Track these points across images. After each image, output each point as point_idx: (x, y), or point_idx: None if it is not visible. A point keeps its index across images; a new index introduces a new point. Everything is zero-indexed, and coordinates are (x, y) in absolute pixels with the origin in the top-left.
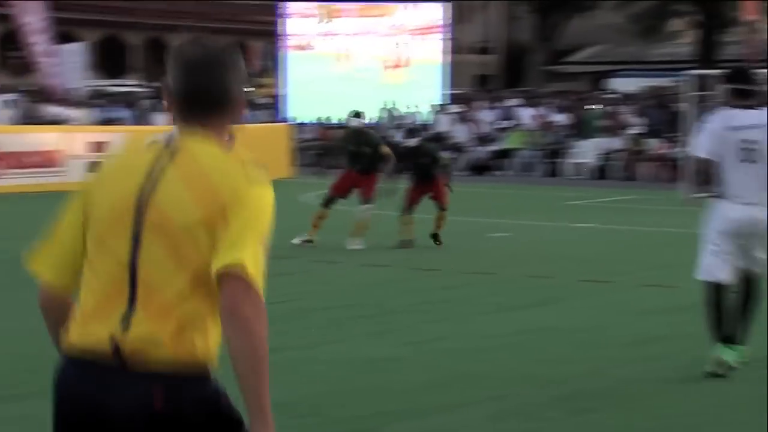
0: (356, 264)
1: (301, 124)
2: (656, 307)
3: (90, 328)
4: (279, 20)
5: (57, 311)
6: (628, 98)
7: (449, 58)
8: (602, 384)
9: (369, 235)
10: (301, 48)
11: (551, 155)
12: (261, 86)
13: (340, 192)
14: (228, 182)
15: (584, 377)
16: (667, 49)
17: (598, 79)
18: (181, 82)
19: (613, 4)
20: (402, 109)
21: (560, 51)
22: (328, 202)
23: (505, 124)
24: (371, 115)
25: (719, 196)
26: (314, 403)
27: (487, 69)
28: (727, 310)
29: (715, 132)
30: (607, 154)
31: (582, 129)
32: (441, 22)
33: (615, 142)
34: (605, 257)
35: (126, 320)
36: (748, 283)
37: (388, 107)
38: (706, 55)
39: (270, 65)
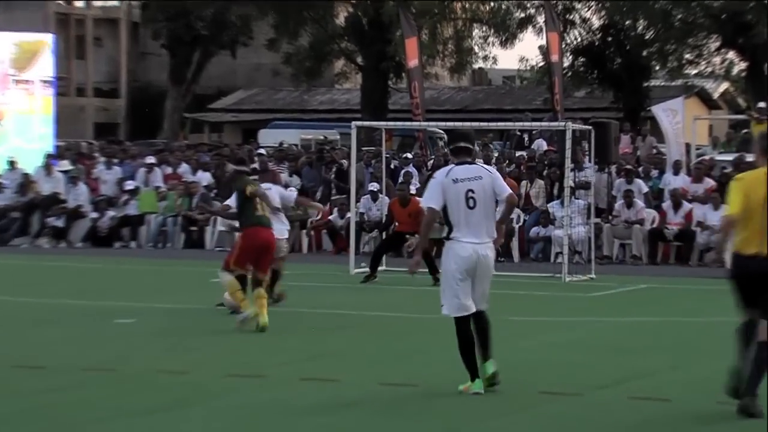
0: None
1: None
2: (316, 405)
3: (749, 247)
4: None
5: (731, 229)
6: (283, 153)
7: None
8: None
9: None
10: None
11: (191, 222)
12: None
13: None
14: None
15: None
16: (329, 96)
17: (248, 129)
18: None
19: (266, 42)
20: None
21: (203, 95)
22: None
23: (133, 184)
24: None
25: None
26: None
27: (112, 116)
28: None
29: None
30: None
31: (229, 190)
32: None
33: None
34: (257, 346)
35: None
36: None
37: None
38: (373, 104)
39: None
